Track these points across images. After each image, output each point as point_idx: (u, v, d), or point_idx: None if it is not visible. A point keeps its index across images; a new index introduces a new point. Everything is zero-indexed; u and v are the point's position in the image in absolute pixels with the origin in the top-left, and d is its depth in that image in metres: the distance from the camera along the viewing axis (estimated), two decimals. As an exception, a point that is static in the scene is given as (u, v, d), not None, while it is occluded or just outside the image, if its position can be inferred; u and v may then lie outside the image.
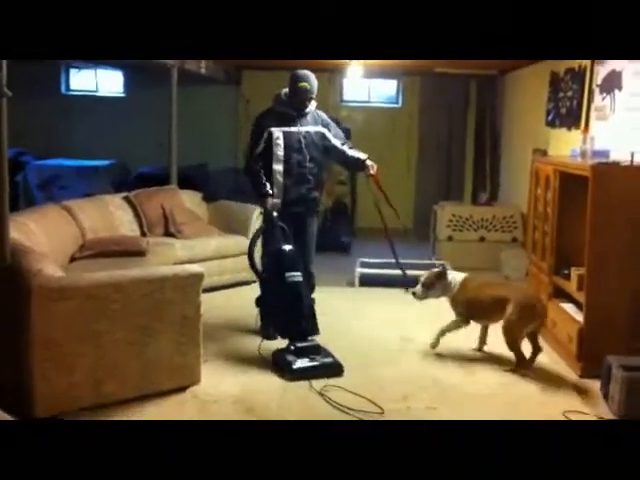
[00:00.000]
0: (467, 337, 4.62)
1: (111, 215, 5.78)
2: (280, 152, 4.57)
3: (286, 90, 4.67)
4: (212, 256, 5.89)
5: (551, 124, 6.55)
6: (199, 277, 3.81)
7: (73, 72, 9.97)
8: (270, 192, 4.57)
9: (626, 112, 4.78)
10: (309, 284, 4.67)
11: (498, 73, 8.88)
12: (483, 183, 9.30)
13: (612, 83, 5.02)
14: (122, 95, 9.96)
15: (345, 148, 4.78)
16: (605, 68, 5.16)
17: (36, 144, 9.18)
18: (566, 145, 5.72)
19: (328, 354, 4.18)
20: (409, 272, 5.05)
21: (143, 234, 5.89)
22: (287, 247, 4.38)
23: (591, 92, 5.47)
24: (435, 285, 4.51)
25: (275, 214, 4.54)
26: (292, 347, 4.14)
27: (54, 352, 3.38)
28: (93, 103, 9.83)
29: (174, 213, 6.10)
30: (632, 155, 4.18)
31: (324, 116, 4.84)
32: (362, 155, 4.75)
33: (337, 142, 4.78)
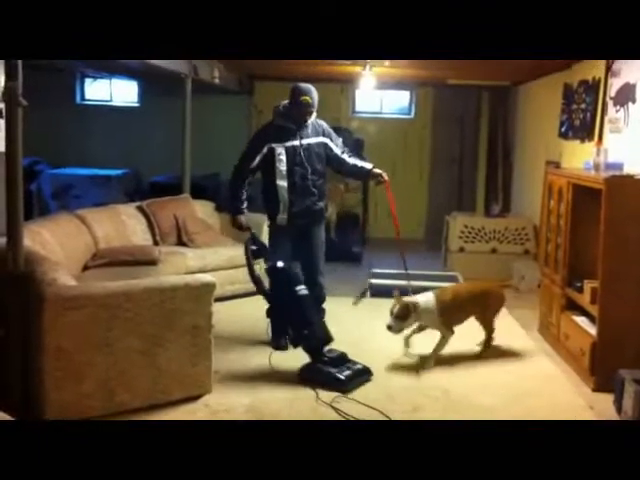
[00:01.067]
0: (473, 339, 4.61)
1: (124, 224, 5.80)
2: (283, 167, 4.55)
3: (285, 103, 4.63)
4: (224, 266, 5.89)
5: (564, 136, 6.53)
6: (211, 287, 3.82)
7: (88, 82, 10.06)
8: (244, 210, 4.70)
9: (640, 125, 4.77)
10: (317, 295, 4.68)
11: (511, 84, 8.88)
12: (495, 194, 9.28)
13: (626, 96, 5.00)
14: (136, 105, 10.03)
15: (345, 157, 4.78)
16: (619, 80, 5.14)
17: (50, 153, 9.26)
18: (579, 157, 5.70)
19: (354, 361, 4.24)
20: (421, 283, 5.04)
21: (155, 243, 5.91)
22: (281, 264, 4.38)
23: (605, 104, 5.45)
24: (409, 315, 4.38)
25: (252, 232, 4.70)
26: (325, 359, 4.14)
27: (66, 361, 3.40)
28: (107, 113, 9.91)
29: (186, 222, 6.12)
30: (646, 168, 4.16)
31: (325, 125, 4.79)
32: (367, 165, 4.77)
33: (338, 151, 4.77)
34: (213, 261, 5.83)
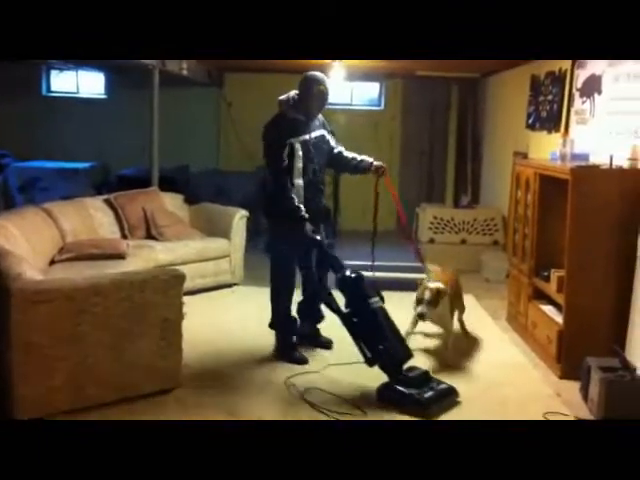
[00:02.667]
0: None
1: (91, 217, 5.74)
2: (300, 164, 4.18)
3: (293, 94, 4.29)
4: (194, 259, 5.86)
5: (531, 127, 6.59)
6: (180, 279, 3.80)
7: (54, 73, 9.90)
8: (307, 215, 4.16)
9: (606, 116, 4.83)
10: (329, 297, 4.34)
11: (480, 76, 8.94)
12: (465, 186, 9.34)
13: (592, 87, 5.06)
14: (103, 97, 9.91)
15: (342, 150, 4.51)
16: (585, 72, 5.20)
17: (17, 146, 9.12)
18: (546, 148, 5.76)
19: (438, 380, 3.89)
20: (389, 274, 5.05)
21: (124, 237, 5.86)
22: (352, 273, 4.02)
23: (571, 96, 5.51)
24: (439, 300, 4.29)
25: (318, 237, 4.20)
26: (404, 378, 3.80)
27: (34, 355, 3.36)
28: (74, 105, 9.77)
29: (155, 215, 6.07)
30: (611, 158, 4.21)
31: (322, 117, 4.45)
32: (367, 158, 4.49)
33: (334, 144, 4.49)
34: (183, 254, 5.79)
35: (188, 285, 4.15)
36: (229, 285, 6.20)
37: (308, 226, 4.15)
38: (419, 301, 4.29)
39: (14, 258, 3.55)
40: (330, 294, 4.19)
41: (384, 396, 3.79)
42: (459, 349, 4.62)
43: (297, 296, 4.56)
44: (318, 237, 4.18)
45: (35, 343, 3.35)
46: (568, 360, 4.18)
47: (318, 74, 4.25)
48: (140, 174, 7.75)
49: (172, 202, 6.57)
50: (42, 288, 3.41)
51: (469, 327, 4.98)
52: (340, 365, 4.28)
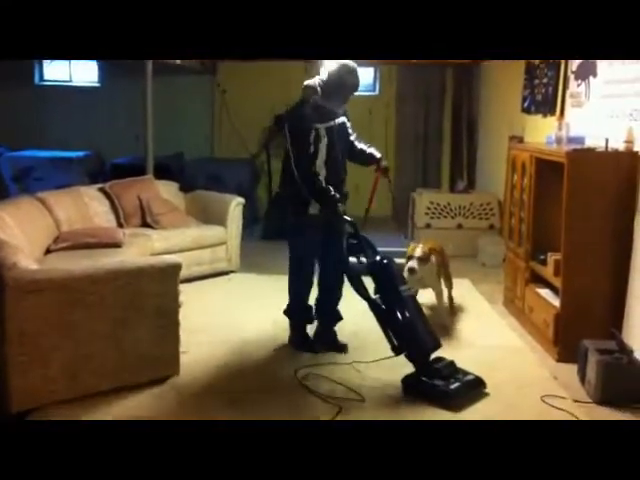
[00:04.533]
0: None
1: (86, 206, 5.72)
2: (324, 151, 4.07)
3: (320, 80, 4.14)
4: (190, 247, 5.85)
5: (527, 111, 6.57)
6: (176, 268, 3.79)
7: (46, 63, 9.83)
8: (338, 196, 4.06)
9: (601, 99, 4.81)
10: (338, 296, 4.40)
11: (474, 61, 8.89)
12: (460, 170, 9.33)
13: (587, 70, 5.04)
14: (97, 85, 9.84)
15: (355, 139, 4.42)
16: (580, 55, 5.18)
17: (10, 135, 9.05)
18: (542, 132, 5.75)
19: (465, 371, 3.82)
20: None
21: (119, 225, 5.84)
22: (384, 259, 3.93)
23: (566, 79, 5.49)
24: (429, 259, 4.52)
25: (354, 223, 4.08)
26: (432, 369, 3.72)
27: (30, 346, 3.35)
28: (67, 93, 9.71)
29: (151, 204, 6.05)
30: (606, 141, 4.21)
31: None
32: (376, 152, 4.43)
33: (351, 132, 4.39)
34: (179, 242, 5.78)
35: (184, 273, 4.14)
36: (226, 273, 6.19)
37: (341, 207, 4.05)
38: (409, 258, 4.42)
39: (9, 248, 3.53)
40: (360, 279, 4.03)
41: (410, 387, 3.72)
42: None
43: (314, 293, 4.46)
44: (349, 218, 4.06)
45: (30, 333, 3.34)
46: (565, 343, 4.19)
47: (349, 63, 4.10)
48: (135, 162, 7.72)
49: (167, 190, 6.55)
50: (37, 278, 3.39)
51: (466, 312, 4.98)
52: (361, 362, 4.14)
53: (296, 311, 4.43)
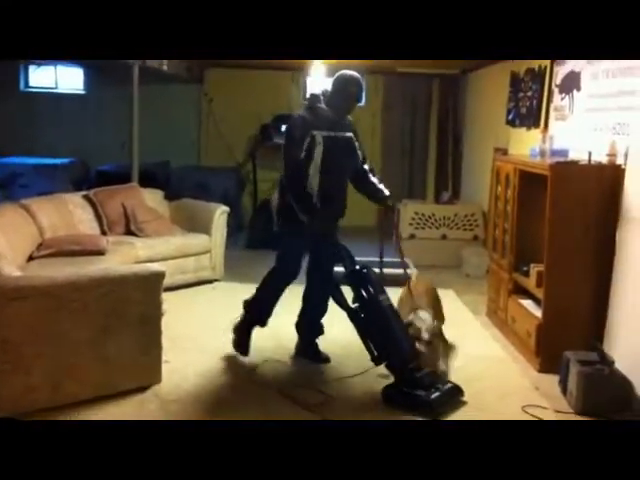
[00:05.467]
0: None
1: (70, 214, 5.69)
2: (319, 159, 3.96)
3: (325, 90, 4.18)
4: (174, 255, 5.84)
5: (511, 123, 6.63)
6: (160, 276, 3.78)
7: (32, 69, 9.80)
8: (318, 205, 3.97)
9: (584, 113, 4.86)
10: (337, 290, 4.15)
11: (460, 72, 8.97)
12: (445, 181, 9.39)
13: (571, 84, 5.10)
14: (82, 92, 9.82)
15: (366, 168, 4.36)
16: (564, 69, 5.24)
17: (-6, 142, 9.03)
18: (526, 144, 5.80)
19: (443, 380, 3.84)
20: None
21: (103, 233, 5.81)
22: (363, 268, 3.92)
23: (550, 92, 5.55)
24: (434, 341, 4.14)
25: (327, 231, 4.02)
26: (411, 379, 3.70)
27: (12, 353, 3.32)
28: (53, 100, 9.69)
29: (135, 211, 6.03)
30: (589, 154, 4.26)
31: (353, 126, 4.34)
32: (385, 190, 4.38)
33: (360, 155, 4.30)
34: (163, 250, 5.76)
35: (168, 281, 4.13)
36: (210, 281, 6.18)
37: (319, 218, 3.94)
38: (417, 338, 4.03)
39: (-9, 254, 3.52)
40: (338, 288, 4.04)
41: (390, 397, 3.71)
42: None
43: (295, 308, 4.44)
44: (328, 230, 4.01)
45: (13, 340, 3.32)
46: (547, 354, 4.21)
47: (354, 74, 4.15)
48: (120, 170, 7.71)
49: (152, 198, 6.53)
50: (20, 285, 3.38)
51: (450, 323, 4.98)
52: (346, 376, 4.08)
53: (255, 305, 4.35)
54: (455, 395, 3.76)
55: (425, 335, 4.04)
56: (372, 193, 4.39)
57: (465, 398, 3.78)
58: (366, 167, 4.37)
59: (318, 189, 3.99)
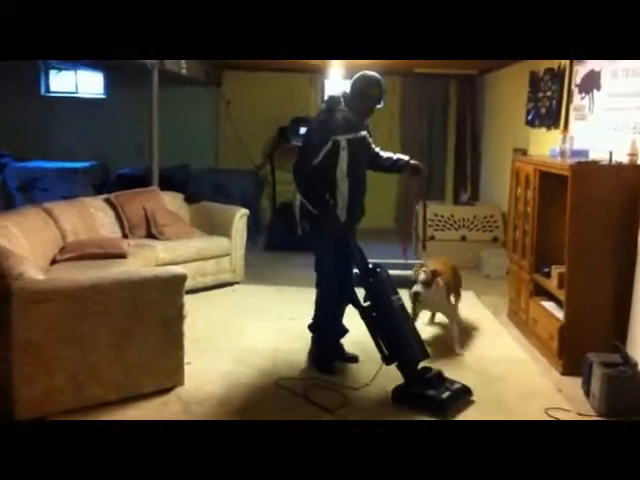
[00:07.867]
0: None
1: (92, 217, 5.74)
2: (345, 164, 3.92)
3: (345, 92, 4.12)
4: (194, 257, 5.86)
5: (531, 124, 6.59)
6: (181, 279, 3.80)
7: (53, 73, 9.90)
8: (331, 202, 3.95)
9: (604, 112, 4.83)
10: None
11: (478, 73, 8.93)
12: (464, 183, 9.35)
13: (591, 83, 5.06)
14: (102, 96, 9.90)
15: (378, 149, 4.41)
16: (584, 68, 5.20)
17: (16, 146, 9.12)
18: (546, 145, 5.76)
19: (451, 380, 3.83)
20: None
21: (124, 236, 5.86)
22: (376, 267, 3.94)
23: (570, 92, 5.51)
24: (433, 282, 4.38)
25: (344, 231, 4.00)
26: (421, 379, 3.73)
27: (35, 355, 3.36)
28: (73, 104, 9.77)
29: (156, 215, 6.07)
30: (610, 154, 4.22)
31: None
32: (403, 156, 4.44)
33: (372, 143, 4.34)
34: (183, 253, 5.79)
35: (189, 284, 4.15)
36: (230, 284, 6.20)
37: (346, 221, 3.96)
38: (414, 282, 4.32)
39: (15, 258, 3.55)
40: (352, 287, 4.06)
41: (401, 398, 3.72)
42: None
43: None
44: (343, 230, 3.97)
45: (36, 343, 3.35)
46: (569, 356, 4.18)
47: (375, 75, 4.09)
48: (139, 173, 7.75)
49: (172, 201, 6.58)
50: (43, 288, 3.41)
51: (471, 324, 4.98)
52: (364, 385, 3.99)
53: (322, 329, 4.28)
54: (463, 394, 3.77)
55: (422, 276, 4.30)
56: (393, 163, 4.43)
57: (486, 399, 3.78)
58: (377, 150, 4.40)
59: (348, 194, 3.98)
